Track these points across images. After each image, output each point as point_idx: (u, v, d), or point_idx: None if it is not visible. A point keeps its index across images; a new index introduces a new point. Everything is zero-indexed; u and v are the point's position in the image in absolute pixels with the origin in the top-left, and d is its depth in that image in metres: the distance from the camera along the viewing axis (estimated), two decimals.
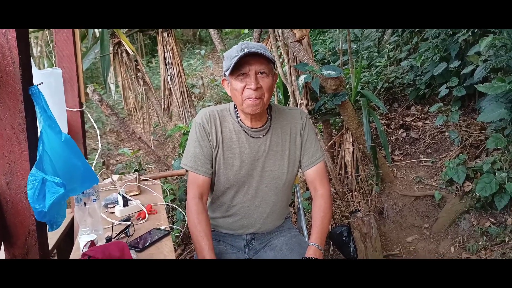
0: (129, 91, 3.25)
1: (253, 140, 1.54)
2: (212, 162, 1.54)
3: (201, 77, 7.20)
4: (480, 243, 2.40)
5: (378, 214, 2.87)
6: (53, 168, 0.99)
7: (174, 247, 2.94)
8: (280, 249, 1.62)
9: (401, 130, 3.72)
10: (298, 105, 2.81)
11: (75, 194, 1.16)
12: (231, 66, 1.39)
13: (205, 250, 1.42)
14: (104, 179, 2.14)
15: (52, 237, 1.69)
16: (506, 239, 2.29)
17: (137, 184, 1.93)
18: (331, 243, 2.63)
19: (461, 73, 3.20)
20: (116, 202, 1.74)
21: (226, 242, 1.68)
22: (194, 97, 6.56)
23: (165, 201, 2.01)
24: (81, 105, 1.99)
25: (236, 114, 1.56)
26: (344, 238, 2.35)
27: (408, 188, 2.95)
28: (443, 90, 3.28)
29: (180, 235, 2.63)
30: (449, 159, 2.91)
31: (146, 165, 3.86)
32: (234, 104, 1.56)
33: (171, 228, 1.86)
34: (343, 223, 2.69)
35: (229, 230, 1.68)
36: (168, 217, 2.78)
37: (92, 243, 1.23)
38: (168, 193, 2.92)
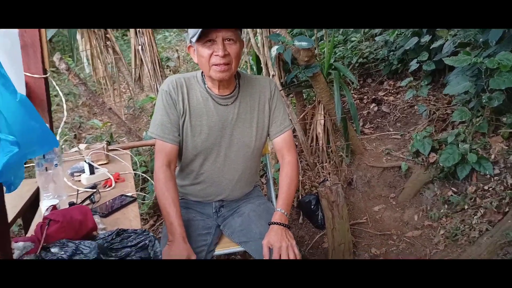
0: (98, 61, 3.16)
1: (221, 108, 1.54)
2: (179, 130, 1.53)
3: (177, 50, 7.04)
4: (442, 211, 2.51)
5: (347, 185, 2.95)
6: (8, 127, 0.95)
7: (147, 218, 2.95)
8: (248, 216, 1.65)
9: (373, 104, 3.78)
10: (271, 77, 2.81)
11: (34, 156, 1.13)
12: (198, 33, 1.37)
13: (172, 216, 1.43)
14: (72, 148, 2.10)
15: (16, 205, 1.66)
16: (466, 207, 2.40)
17: (105, 152, 1.91)
18: (301, 212, 2.70)
19: (431, 48, 3.25)
20: (83, 171, 1.73)
21: (195, 209, 1.70)
22: (170, 71, 6.43)
23: (137, 172, 2.00)
24: (45, 71, 1.93)
25: (203, 81, 1.55)
26: (312, 207, 2.41)
27: (377, 159, 3.03)
28: (413, 65, 3.34)
29: (150, 203, 2.64)
30: (417, 132, 2.99)
31: (118, 137, 3.80)
32: (202, 72, 1.55)
33: (143, 198, 1.87)
34: (313, 193, 2.75)
35: (197, 197, 1.69)
36: (140, 189, 2.77)
37: (54, 208, 1.22)
38: (140, 164, 2.91)
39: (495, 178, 2.39)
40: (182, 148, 1.57)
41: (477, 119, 2.62)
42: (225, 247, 1.65)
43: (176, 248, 1.35)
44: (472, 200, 2.40)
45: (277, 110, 1.63)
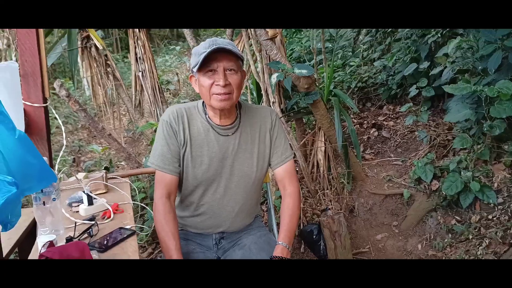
0: (99, 87, 3.17)
1: (222, 138, 1.53)
2: (179, 160, 1.51)
3: (177, 74, 7.10)
4: (446, 240, 2.46)
5: (349, 213, 2.91)
6: (6, 166, 0.94)
7: (145, 246, 2.89)
8: (249, 248, 1.61)
9: (373, 129, 3.78)
10: (271, 104, 2.81)
11: (31, 192, 1.11)
12: (199, 62, 1.37)
13: (171, 250, 1.39)
14: (70, 177, 2.08)
15: (12, 237, 1.62)
16: (470, 237, 2.36)
17: (104, 182, 1.88)
18: (302, 241, 2.65)
19: (430, 74, 3.27)
20: (81, 201, 1.69)
21: (194, 241, 1.66)
22: (170, 94, 6.47)
23: (136, 200, 1.97)
24: (45, 100, 1.92)
25: (204, 111, 1.54)
26: (314, 237, 2.37)
27: (379, 186, 3.01)
28: (413, 91, 3.36)
29: (149, 233, 2.59)
30: (418, 158, 2.97)
31: (118, 162, 3.77)
32: (203, 102, 1.54)
33: (141, 228, 1.83)
34: (315, 221, 2.71)
35: (197, 229, 1.66)
36: (138, 216, 2.73)
37: (51, 244, 1.18)
38: (138, 191, 2.87)
39: (499, 207, 2.36)
40: (182, 179, 1.55)
41: (479, 146, 2.61)
42: None
43: None
44: (476, 230, 2.36)
45: (278, 140, 1.62)
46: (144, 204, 2.19)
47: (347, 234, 2.23)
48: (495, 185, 2.42)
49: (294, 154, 2.87)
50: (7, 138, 0.95)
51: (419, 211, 2.69)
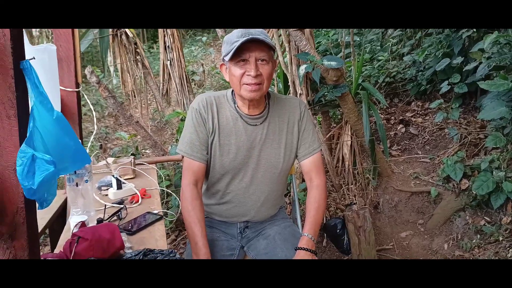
0: (128, 74, 3.22)
1: (250, 128, 1.52)
2: (208, 148, 1.52)
3: (202, 64, 7.13)
4: (474, 241, 2.39)
5: (373, 209, 2.86)
6: (44, 145, 0.96)
7: (168, 233, 2.94)
8: (273, 239, 1.61)
9: (401, 125, 3.70)
10: (298, 95, 2.78)
11: (66, 173, 1.14)
12: (232, 52, 1.36)
13: (197, 236, 1.41)
14: (99, 161, 2.12)
15: (44, 216, 1.67)
16: (500, 238, 2.29)
17: (132, 167, 1.91)
18: (325, 235, 2.63)
19: (463, 70, 3.16)
20: (110, 185, 1.73)
21: (219, 229, 1.67)
22: (194, 84, 6.51)
23: (161, 187, 2.00)
24: (77, 85, 1.96)
25: (233, 100, 1.53)
26: (338, 231, 2.34)
27: (405, 183, 2.94)
28: (444, 87, 3.26)
29: (173, 220, 2.62)
30: (447, 156, 2.89)
31: (143, 150, 3.83)
32: (232, 91, 1.54)
33: (165, 213, 1.85)
34: (338, 215, 2.68)
35: (222, 217, 1.66)
36: (163, 203, 2.77)
37: (83, 224, 1.21)
38: (163, 178, 2.91)
39: None
40: (209, 167, 1.55)
41: None
42: None
43: None
44: (507, 232, 2.29)
45: (306, 131, 1.60)
46: (170, 191, 2.22)
47: (372, 230, 2.20)
48: None
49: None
50: (45, 118, 0.97)
51: (446, 210, 2.63)
